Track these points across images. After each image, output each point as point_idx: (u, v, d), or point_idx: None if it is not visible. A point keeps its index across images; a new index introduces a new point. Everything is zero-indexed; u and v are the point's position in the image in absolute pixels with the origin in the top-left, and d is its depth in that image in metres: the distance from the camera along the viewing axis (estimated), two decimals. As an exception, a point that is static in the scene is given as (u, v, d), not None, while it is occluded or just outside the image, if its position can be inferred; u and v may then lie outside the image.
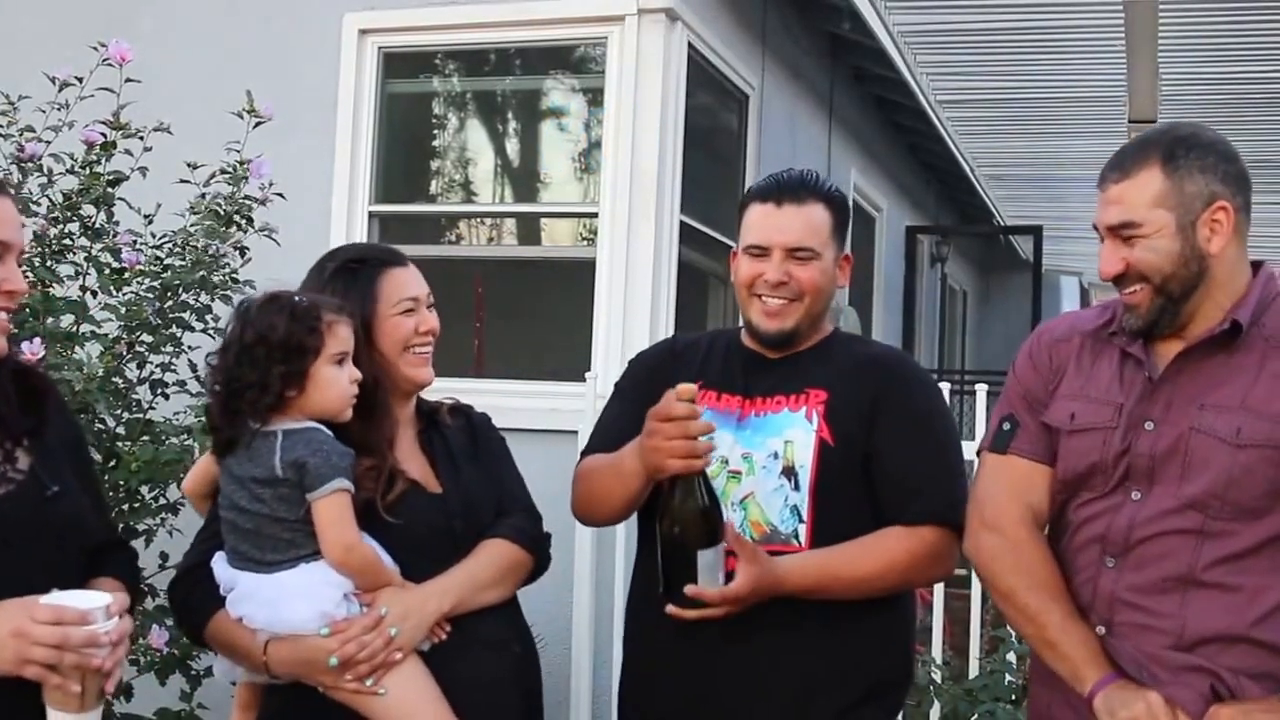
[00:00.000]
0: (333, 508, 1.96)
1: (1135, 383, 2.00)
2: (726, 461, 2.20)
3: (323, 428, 2.03)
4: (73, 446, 2.01)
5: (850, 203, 7.25)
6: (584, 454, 2.36)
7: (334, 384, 2.03)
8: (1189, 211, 1.92)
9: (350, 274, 2.19)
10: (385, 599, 2.01)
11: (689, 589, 1.98)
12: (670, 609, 2.01)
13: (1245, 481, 1.86)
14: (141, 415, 3.37)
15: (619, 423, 2.32)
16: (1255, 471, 1.85)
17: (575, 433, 3.79)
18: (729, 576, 2.03)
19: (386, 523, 2.07)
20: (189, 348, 3.44)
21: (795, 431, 2.20)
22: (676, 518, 1.99)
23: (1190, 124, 2.06)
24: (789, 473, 2.18)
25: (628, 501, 2.21)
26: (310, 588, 1.99)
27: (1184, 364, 1.96)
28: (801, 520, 2.17)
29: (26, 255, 3.27)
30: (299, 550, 1.99)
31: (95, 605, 1.70)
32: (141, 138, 3.41)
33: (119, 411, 3.32)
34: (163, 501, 3.33)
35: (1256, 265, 2.03)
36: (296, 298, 2.06)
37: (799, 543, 2.16)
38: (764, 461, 2.20)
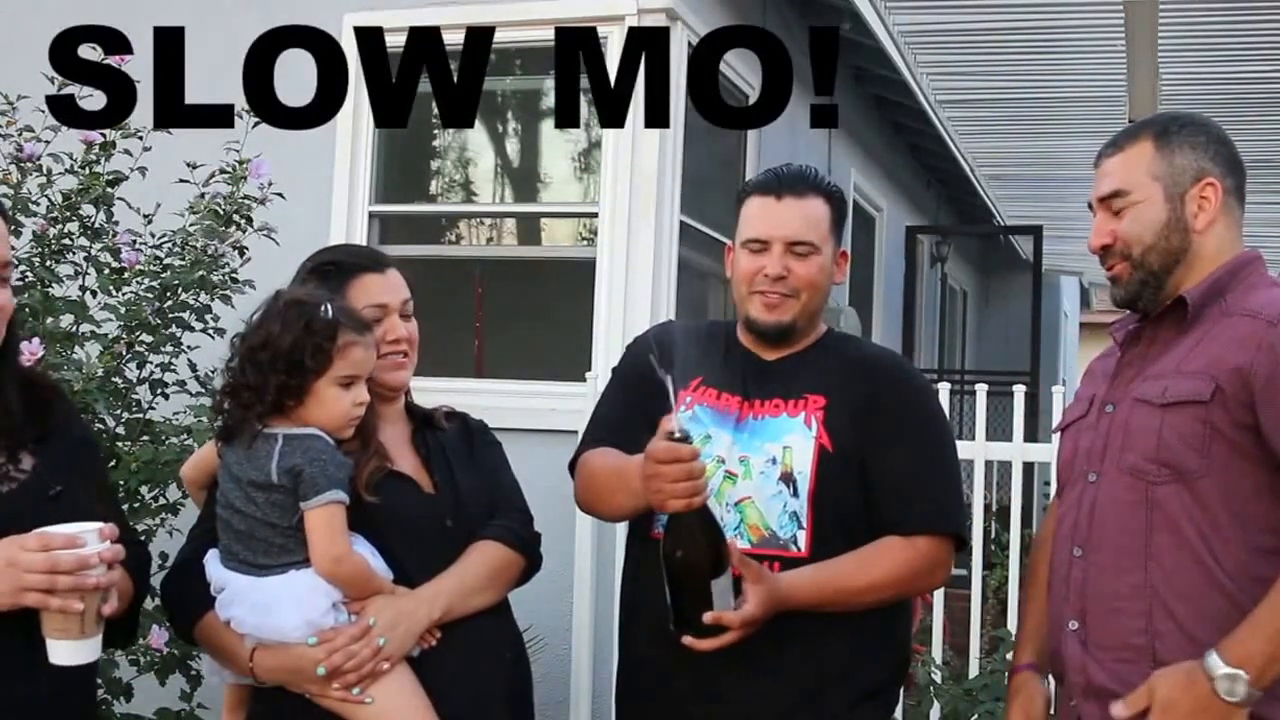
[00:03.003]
0: (324, 519, 1.95)
1: (1113, 370, 2.07)
2: (723, 461, 2.19)
3: (324, 435, 2.01)
4: (80, 450, 2.00)
5: (850, 201, 7.25)
6: (584, 440, 2.35)
7: (334, 403, 2.01)
8: (1177, 184, 1.97)
9: (322, 276, 2.17)
10: (374, 608, 2.00)
11: (708, 616, 1.96)
12: (687, 641, 1.99)
13: (1175, 442, 1.86)
14: (141, 415, 3.37)
15: (617, 414, 2.33)
16: (1182, 430, 1.86)
17: (575, 433, 3.77)
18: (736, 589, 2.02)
19: (379, 514, 2.06)
20: (188, 348, 3.44)
21: (794, 437, 2.20)
22: (685, 550, 1.97)
23: (1191, 112, 2.10)
24: (787, 479, 2.17)
25: (634, 511, 2.22)
26: (299, 595, 1.98)
27: (1147, 346, 2.01)
28: (800, 526, 2.16)
29: (27, 255, 3.28)
30: (290, 556, 1.98)
31: (83, 529, 1.72)
32: (141, 137, 3.41)
33: (118, 411, 3.32)
34: (162, 502, 3.32)
35: None
36: (323, 308, 2.01)
37: (798, 548, 2.15)
38: (762, 466, 2.19)
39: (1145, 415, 1.91)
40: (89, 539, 1.71)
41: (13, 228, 3.25)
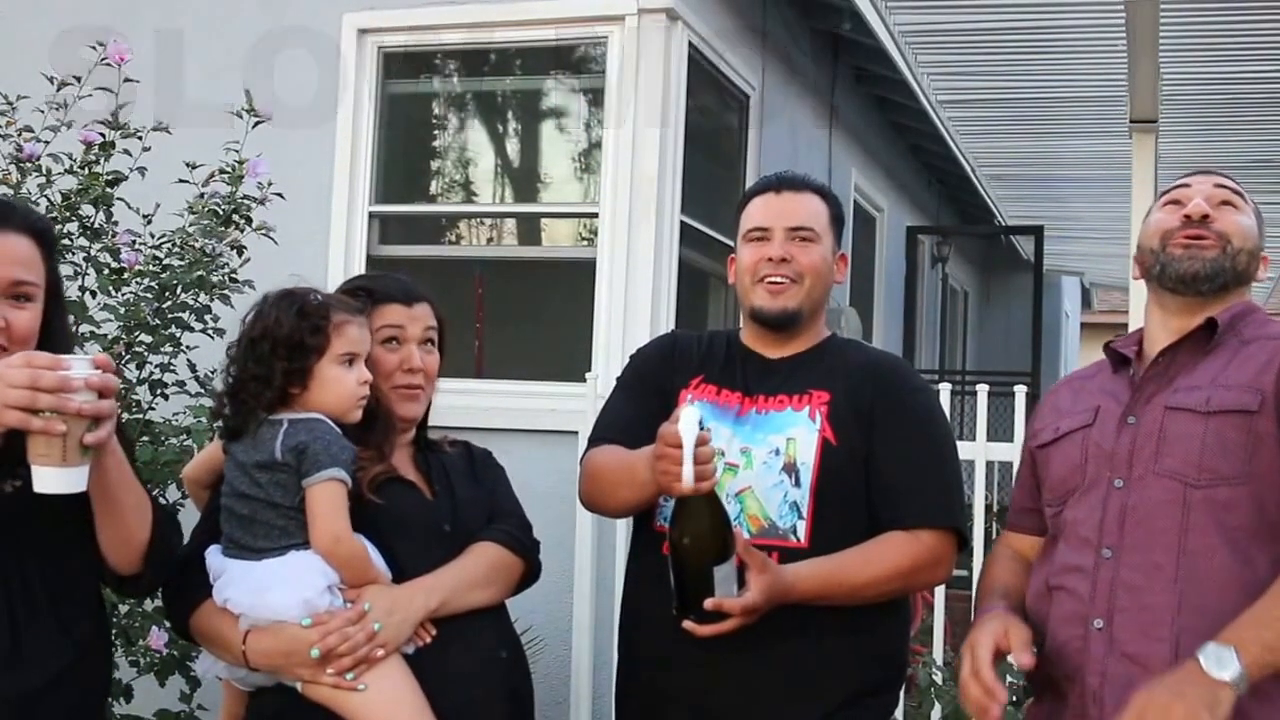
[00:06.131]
0: (326, 496, 1.97)
1: (1122, 385, 2.09)
2: (723, 454, 2.20)
3: (328, 420, 2.04)
4: None
5: (849, 205, 7.25)
6: (590, 443, 2.37)
7: (339, 383, 2.04)
8: (1260, 236, 2.12)
9: (352, 296, 2.18)
10: (370, 594, 2.00)
11: (709, 602, 1.98)
12: (688, 625, 2.01)
13: (1217, 447, 1.91)
14: (141, 416, 3.37)
15: (623, 415, 2.35)
16: (1226, 436, 1.91)
17: (575, 433, 3.78)
18: (740, 578, 2.03)
19: (379, 515, 2.06)
20: (188, 348, 3.44)
21: (798, 430, 2.22)
22: (690, 535, 2.00)
23: None
24: (790, 469, 2.20)
25: (638, 504, 2.25)
26: (295, 574, 1.98)
27: (1168, 364, 2.05)
28: (801, 516, 2.18)
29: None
30: (290, 538, 2.00)
31: (72, 357, 1.71)
32: (140, 137, 3.41)
33: (118, 412, 3.31)
34: (162, 503, 3.32)
35: None
36: (311, 295, 2.07)
37: (797, 538, 2.17)
38: (764, 457, 2.21)
39: (1186, 422, 1.95)
40: (73, 364, 1.69)
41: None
